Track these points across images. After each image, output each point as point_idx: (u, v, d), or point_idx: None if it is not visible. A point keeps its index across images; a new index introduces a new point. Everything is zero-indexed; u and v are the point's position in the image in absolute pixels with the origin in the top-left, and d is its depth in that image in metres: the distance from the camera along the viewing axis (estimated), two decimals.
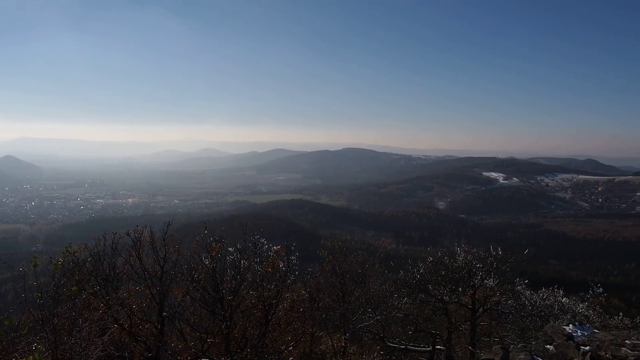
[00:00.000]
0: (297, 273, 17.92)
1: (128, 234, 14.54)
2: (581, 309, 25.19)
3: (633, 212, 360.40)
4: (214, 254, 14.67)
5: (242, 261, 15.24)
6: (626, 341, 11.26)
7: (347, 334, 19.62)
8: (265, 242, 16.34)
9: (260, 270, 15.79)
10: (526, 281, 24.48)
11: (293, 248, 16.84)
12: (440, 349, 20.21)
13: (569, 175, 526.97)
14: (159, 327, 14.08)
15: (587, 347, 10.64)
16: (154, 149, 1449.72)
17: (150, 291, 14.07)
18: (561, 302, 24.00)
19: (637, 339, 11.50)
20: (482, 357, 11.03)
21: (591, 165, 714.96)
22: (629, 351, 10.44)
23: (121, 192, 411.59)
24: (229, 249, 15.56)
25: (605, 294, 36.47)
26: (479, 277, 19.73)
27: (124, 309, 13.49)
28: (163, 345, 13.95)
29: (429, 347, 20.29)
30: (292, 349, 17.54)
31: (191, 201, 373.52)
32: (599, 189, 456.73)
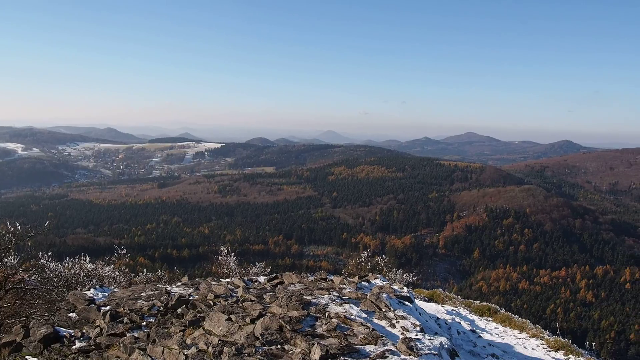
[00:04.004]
0: None
1: None
2: (108, 272, 26.24)
3: (151, 176, 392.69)
4: None
5: None
6: (142, 294, 12.35)
7: None
8: None
9: None
10: (50, 253, 23.91)
11: None
12: None
13: (90, 144, 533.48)
14: None
15: (108, 307, 11.18)
16: None
17: None
18: (87, 269, 24.43)
19: (151, 290, 12.76)
20: (3, 341, 10.22)
21: (111, 134, 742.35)
22: (144, 302, 11.47)
23: None
24: None
25: (129, 255, 38.89)
26: None
27: None
28: None
29: None
30: None
31: None
32: (120, 156, 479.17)
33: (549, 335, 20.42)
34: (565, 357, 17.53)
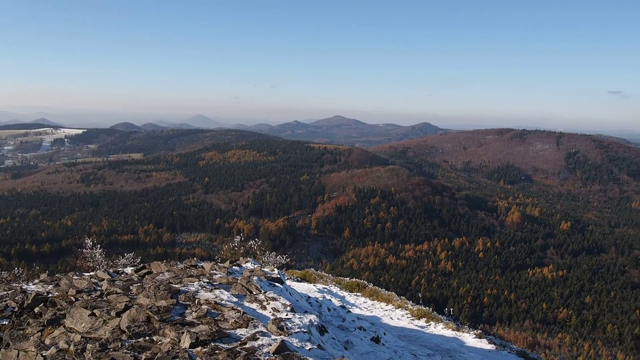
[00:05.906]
0: None
1: None
2: None
3: (3, 166, 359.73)
4: None
5: None
6: None
7: None
8: None
9: None
10: None
11: None
12: None
13: None
14: None
15: None
16: None
17: None
18: None
19: (4, 290, 11.82)
20: None
21: None
22: None
23: None
24: None
25: None
26: None
27: None
28: None
29: None
30: None
31: None
32: None
33: (412, 305, 21.89)
34: (427, 324, 18.94)
